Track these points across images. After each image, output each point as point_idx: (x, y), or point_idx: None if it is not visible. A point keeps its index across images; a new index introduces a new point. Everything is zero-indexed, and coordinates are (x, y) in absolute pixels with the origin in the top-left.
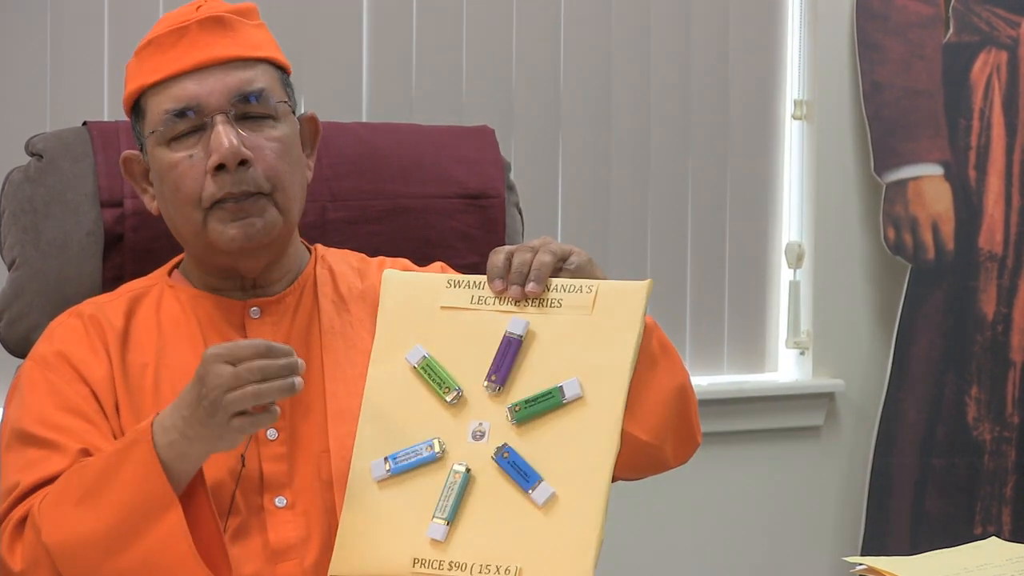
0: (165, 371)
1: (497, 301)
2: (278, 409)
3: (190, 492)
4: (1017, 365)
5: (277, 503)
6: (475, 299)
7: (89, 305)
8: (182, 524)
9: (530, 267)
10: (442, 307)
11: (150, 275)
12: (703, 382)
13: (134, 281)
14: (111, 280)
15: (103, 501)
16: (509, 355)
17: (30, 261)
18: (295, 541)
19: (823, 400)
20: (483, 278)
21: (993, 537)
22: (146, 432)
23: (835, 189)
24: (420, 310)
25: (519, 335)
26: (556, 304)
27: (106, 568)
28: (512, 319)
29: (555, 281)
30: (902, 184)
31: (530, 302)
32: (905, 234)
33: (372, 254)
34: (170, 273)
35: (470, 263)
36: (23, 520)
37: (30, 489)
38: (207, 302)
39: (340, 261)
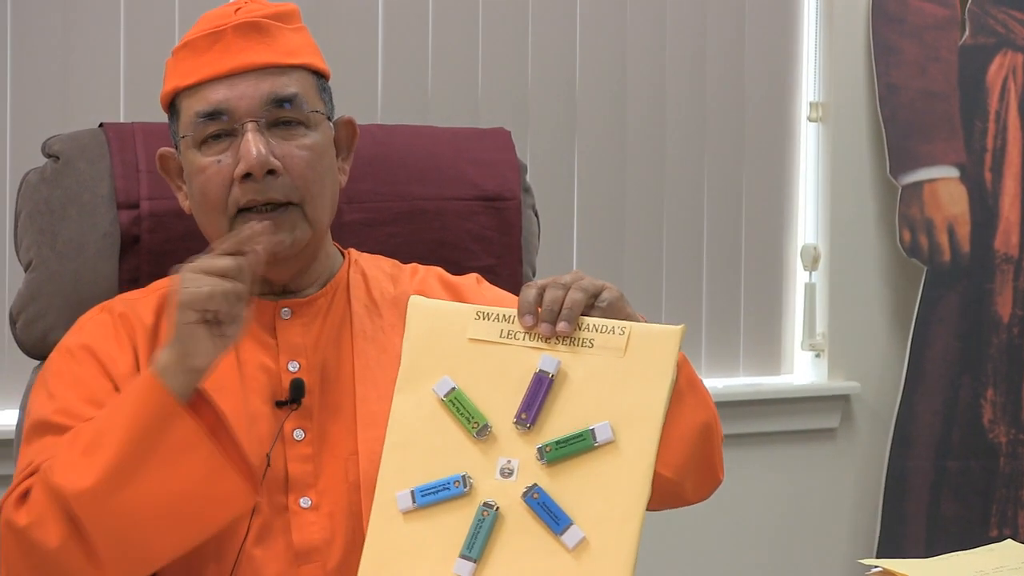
0: None
1: (527, 337)
2: (235, 325)
3: (212, 424)
4: None
5: (302, 503)
6: (504, 333)
7: (119, 302)
8: (196, 427)
9: (562, 305)
10: (470, 339)
11: None
12: (719, 384)
13: (164, 279)
14: (127, 282)
15: (107, 439)
16: (540, 393)
17: (47, 263)
18: (319, 543)
19: (838, 402)
20: (513, 311)
21: (1009, 540)
22: (144, 370)
23: (851, 191)
24: (448, 341)
25: (551, 374)
26: (588, 344)
27: (129, 495)
28: (543, 357)
29: (587, 320)
30: (918, 186)
31: (561, 340)
32: (921, 236)
33: (389, 256)
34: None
35: (486, 265)
36: (29, 489)
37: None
38: None
39: (373, 266)
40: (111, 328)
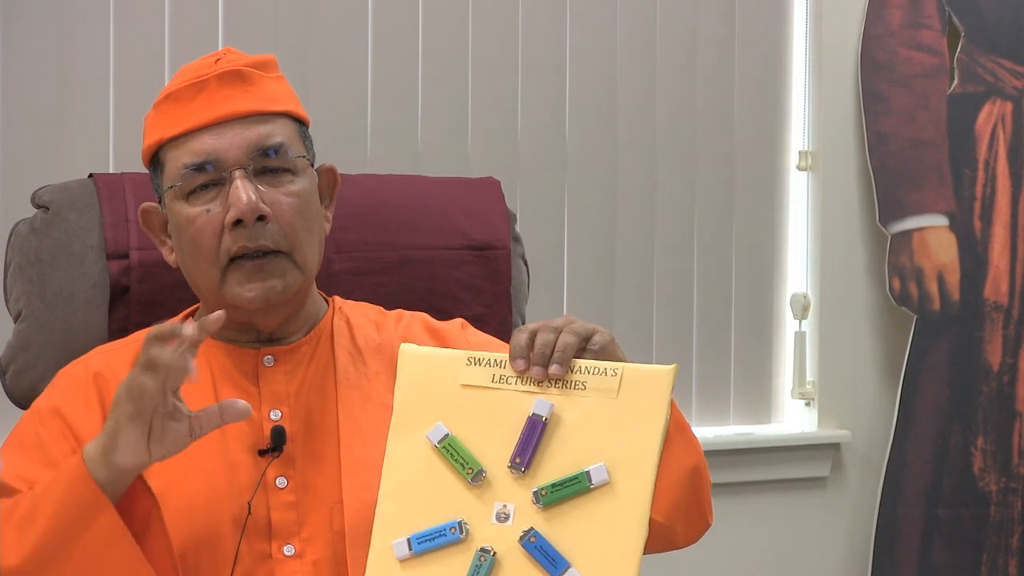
0: None
1: (519, 381)
2: (173, 438)
3: (144, 518)
4: (1023, 415)
5: (286, 551)
6: (496, 378)
7: (98, 356)
8: (118, 524)
9: (553, 348)
10: (462, 385)
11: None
12: (709, 433)
13: (146, 329)
14: (117, 332)
15: (37, 518)
16: (534, 437)
17: (36, 313)
18: None
19: (829, 451)
20: (504, 356)
21: None
22: (78, 452)
23: (840, 240)
24: (440, 387)
25: (544, 417)
26: (580, 386)
27: None
28: (537, 400)
29: (579, 362)
30: (907, 235)
31: (553, 383)
32: (910, 285)
33: (378, 305)
34: (182, 321)
35: (476, 314)
36: None
37: None
38: (220, 351)
39: (358, 313)
40: (81, 389)
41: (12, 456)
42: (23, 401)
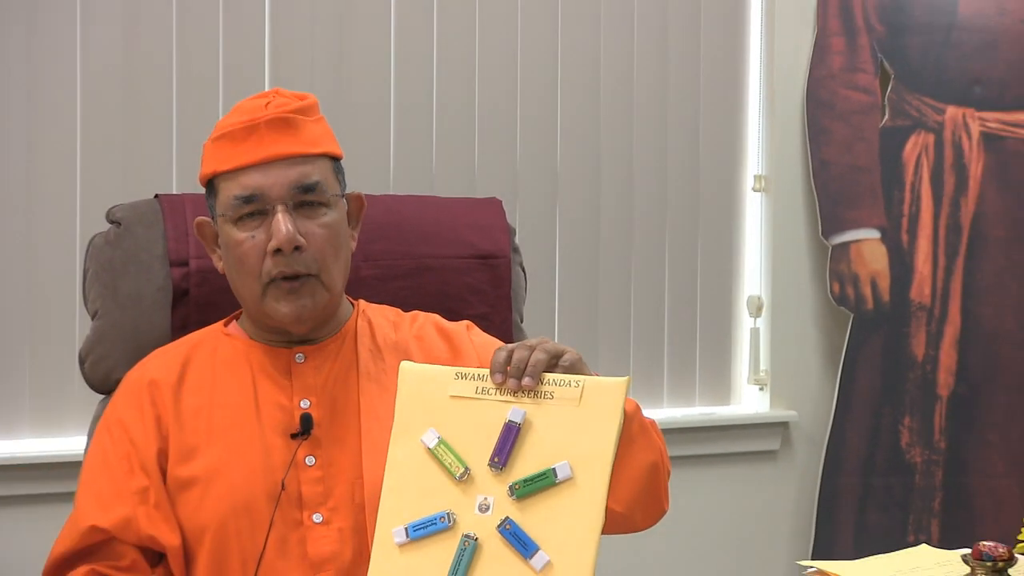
0: (218, 410)
1: (498, 392)
2: None
3: None
4: (943, 399)
5: (315, 519)
6: (479, 390)
7: (155, 361)
8: None
9: (527, 364)
10: (451, 396)
11: (210, 327)
12: (677, 413)
13: (196, 332)
14: (178, 328)
15: None
16: (510, 440)
17: (109, 312)
18: (330, 554)
19: (779, 428)
20: (486, 371)
21: (923, 544)
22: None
23: (789, 250)
24: (433, 399)
25: (518, 423)
26: (549, 396)
27: None
28: (512, 409)
29: (548, 376)
30: (845, 246)
31: (526, 394)
32: (848, 288)
33: (399, 306)
34: (227, 324)
35: (480, 313)
36: None
37: (60, 559)
38: (258, 350)
39: (378, 315)
40: (137, 396)
41: (88, 463)
42: (99, 386)
